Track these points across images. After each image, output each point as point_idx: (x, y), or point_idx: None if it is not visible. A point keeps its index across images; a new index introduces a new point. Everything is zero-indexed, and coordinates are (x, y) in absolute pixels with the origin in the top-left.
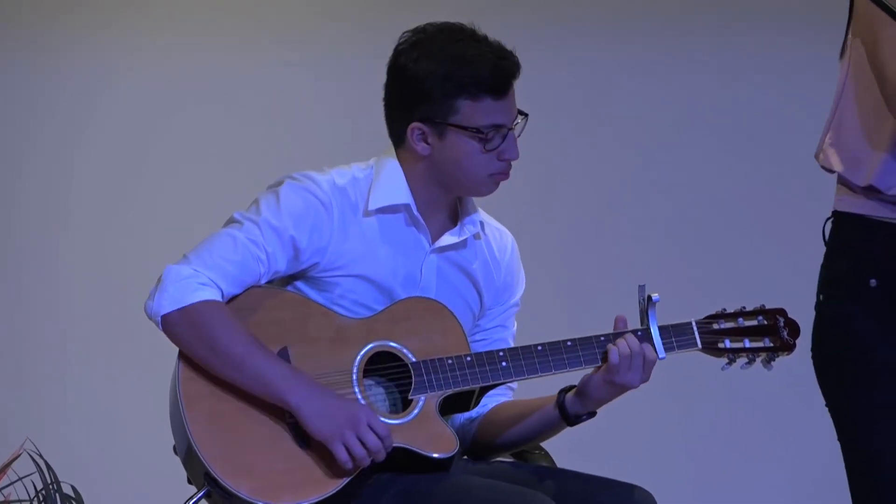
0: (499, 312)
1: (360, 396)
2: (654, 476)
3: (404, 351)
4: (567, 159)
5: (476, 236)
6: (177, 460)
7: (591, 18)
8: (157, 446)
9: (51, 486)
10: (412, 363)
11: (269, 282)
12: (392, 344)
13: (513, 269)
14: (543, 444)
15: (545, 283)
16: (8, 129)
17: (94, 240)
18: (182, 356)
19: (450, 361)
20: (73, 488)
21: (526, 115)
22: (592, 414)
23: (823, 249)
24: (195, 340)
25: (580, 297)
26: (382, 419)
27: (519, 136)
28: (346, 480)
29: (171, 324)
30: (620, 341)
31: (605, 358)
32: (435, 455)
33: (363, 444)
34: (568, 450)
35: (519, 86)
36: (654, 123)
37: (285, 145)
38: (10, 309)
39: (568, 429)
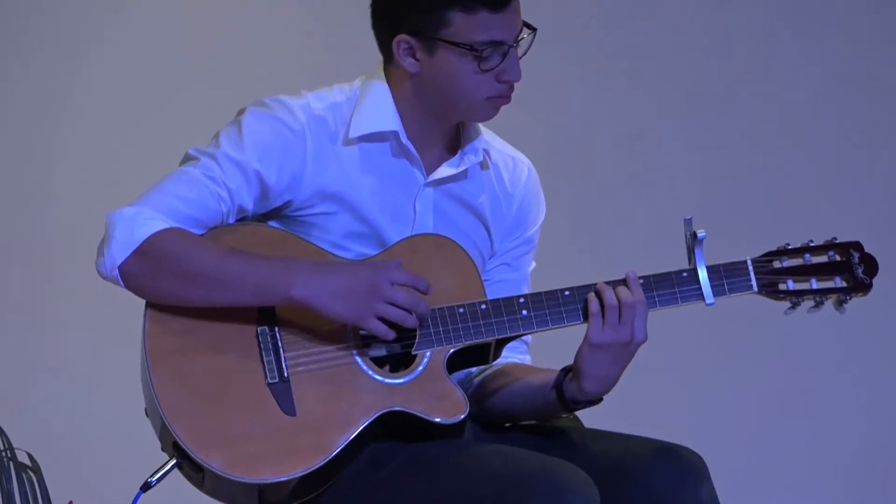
0: (506, 249)
1: (354, 352)
2: (699, 436)
3: None
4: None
5: (482, 165)
6: (145, 428)
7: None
8: (125, 411)
9: (4, 454)
10: None
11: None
12: None
13: (529, 200)
14: None
15: (565, 224)
16: None
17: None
18: (148, 308)
19: (461, 310)
20: (30, 456)
21: (534, 29)
22: (596, 401)
23: None
24: (162, 278)
25: (609, 236)
26: (379, 378)
27: (524, 54)
28: (338, 449)
29: (131, 274)
30: (601, 290)
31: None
32: (439, 420)
33: (397, 303)
34: (597, 408)
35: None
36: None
37: (270, 71)
38: None
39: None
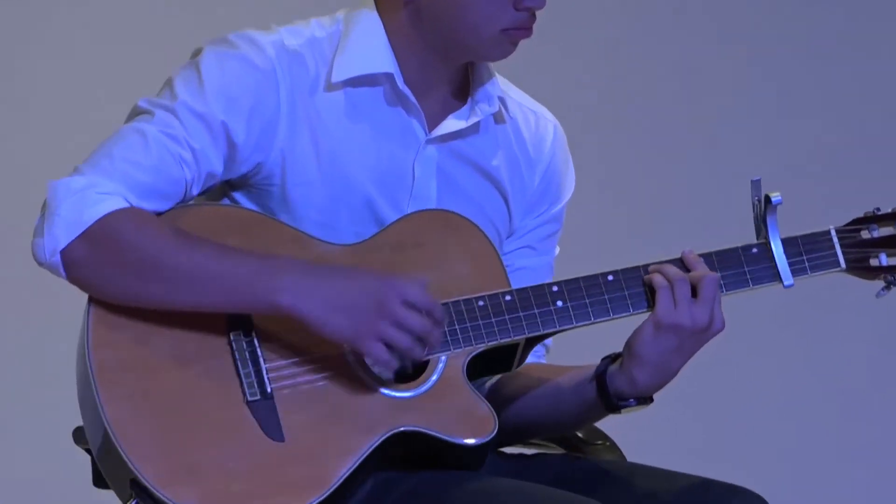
0: (528, 228)
1: (350, 359)
2: (762, 477)
3: None
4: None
5: (497, 118)
6: (76, 453)
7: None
8: (49, 436)
9: None
10: None
11: (202, 193)
12: None
13: (556, 167)
14: (606, 431)
15: (593, 197)
16: None
17: None
18: (93, 310)
19: (481, 303)
20: None
21: None
22: (646, 400)
23: None
24: (113, 270)
25: (649, 210)
26: (383, 391)
27: None
28: (337, 482)
29: (75, 262)
30: (658, 266)
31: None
32: (466, 441)
33: (407, 329)
34: (642, 438)
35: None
36: None
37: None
38: None
39: (642, 411)
